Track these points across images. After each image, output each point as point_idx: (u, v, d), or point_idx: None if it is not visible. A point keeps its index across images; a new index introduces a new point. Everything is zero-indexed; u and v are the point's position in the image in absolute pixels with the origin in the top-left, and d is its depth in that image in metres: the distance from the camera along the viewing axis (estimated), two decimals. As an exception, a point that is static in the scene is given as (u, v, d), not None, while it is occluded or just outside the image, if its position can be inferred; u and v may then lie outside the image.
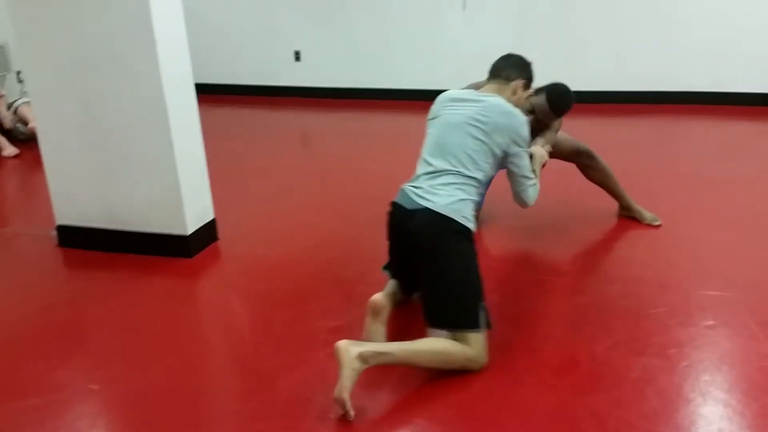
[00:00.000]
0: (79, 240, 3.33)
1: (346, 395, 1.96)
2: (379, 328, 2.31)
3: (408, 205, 2.33)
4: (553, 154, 3.18)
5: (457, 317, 2.20)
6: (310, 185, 4.25)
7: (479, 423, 1.99)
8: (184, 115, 3.12)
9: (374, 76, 6.63)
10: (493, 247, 3.19)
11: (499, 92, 2.52)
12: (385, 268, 2.59)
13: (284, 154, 5.06)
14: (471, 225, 2.32)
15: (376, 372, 2.07)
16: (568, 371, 2.20)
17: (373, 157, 4.72)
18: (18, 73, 6.07)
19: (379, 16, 6.52)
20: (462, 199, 2.31)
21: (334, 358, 2.28)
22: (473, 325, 2.19)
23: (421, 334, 2.22)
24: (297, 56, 6.96)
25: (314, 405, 2.08)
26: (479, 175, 2.37)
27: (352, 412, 1.98)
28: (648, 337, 2.36)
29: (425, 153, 2.46)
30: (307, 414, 2.05)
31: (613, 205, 3.41)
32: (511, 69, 2.58)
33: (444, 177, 2.34)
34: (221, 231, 3.39)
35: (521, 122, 2.42)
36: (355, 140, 5.39)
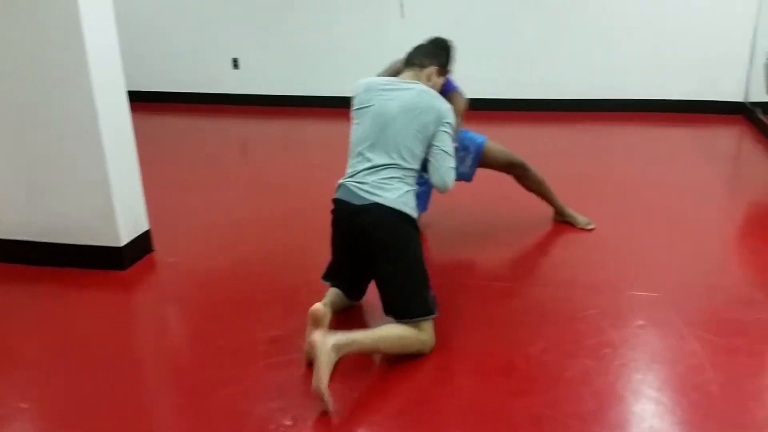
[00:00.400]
0: (7, 253, 3.20)
1: (324, 385, 2.00)
2: None
3: (356, 201, 2.37)
4: (488, 165, 3.30)
5: (414, 307, 2.32)
6: (249, 194, 4.21)
7: (419, 428, 2.00)
8: (117, 124, 3.04)
9: (314, 84, 6.61)
10: (430, 252, 3.22)
11: (417, 79, 2.59)
12: (325, 278, 2.58)
13: (223, 163, 4.99)
14: (416, 215, 2.43)
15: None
16: (505, 374, 2.24)
17: (313, 164, 4.70)
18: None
19: (318, 23, 6.51)
20: (407, 191, 2.41)
21: (273, 370, 2.28)
22: (427, 312, 2.33)
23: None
24: (235, 63, 6.88)
25: (253, 417, 2.06)
26: (417, 166, 2.46)
27: (331, 403, 2.03)
28: (581, 339, 2.42)
29: (361, 146, 2.47)
30: (246, 427, 2.02)
31: (548, 211, 3.49)
32: (423, 57, 2.66)
33: (386, 171, 2.40)
34: (157, 242, 3.31)
35: (448, 108, 2.49)
36: (295, 148, 5.36)
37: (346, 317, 2.56)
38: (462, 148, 3.18)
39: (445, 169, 2.44)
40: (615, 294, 2.75)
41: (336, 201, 2.46)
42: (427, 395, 2.15)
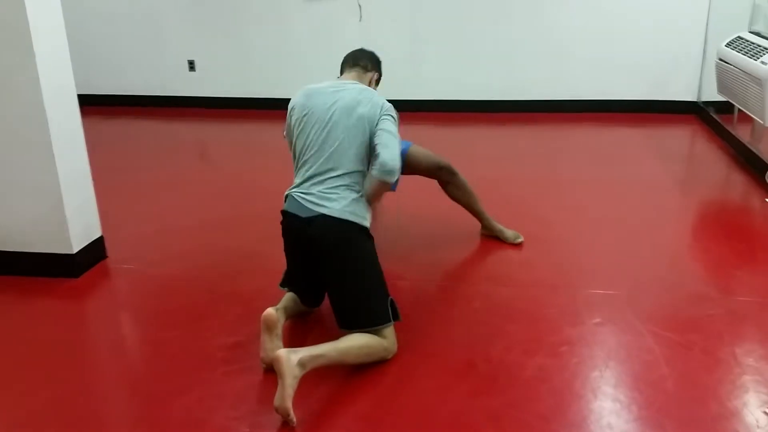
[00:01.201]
0: (-49, 263, 3.09)
1: (288, 404, 1.96)
2: (275, 342, 2.25)
3: (302, 213, 2.32)
4: (413, 170, 3.15)
5: (373, 317, 2.28)
6: (205, 200, 4.14)
7: (381, 430, 1.99)
8: (67, 128, 2.96)
9: (272, 87, 6.56)
10: (387, 256, 3.21)
11: (359, 80, 2.61)
12: (282, 285, 2.55)
13: (179, 168, 4.90)
14: (367, 222, 2.37)
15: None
16: (465, 374, 2.24)
17: (269, 168, 4.65)
18: None
19: (275, 24, 6.46)
20: (355, 199, 2.35)
21: (231, 377, 2.24)
22: (386, 320, 2.30)
23: (318, 341, 2.20)
24: (191, 66, 6.78)
25: (211, 425, 2.02)
26: (364, 168, 2.41)
27: (294, 420, 1.98)
28: (540, 337, 2.44)
29: (306, 155, 2.42)
30: (203, 436, 1.98)
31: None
32: (367, 60, 2.70)
33: (332, 180, 2.35)
34: (110, 249, 3.24)
35: (389, 105, 2.47)
36: (253, 152, 5.30)
37: (307, 326, 2.53)
38: None
39: (392, 146, 2.34)
40: (572, 293, 2.78)
41: (284, 213, 2.41)
42: (388, 398, 2.14)
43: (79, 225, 3.05)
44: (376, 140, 2.37)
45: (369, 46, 2.94)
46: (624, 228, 3.46)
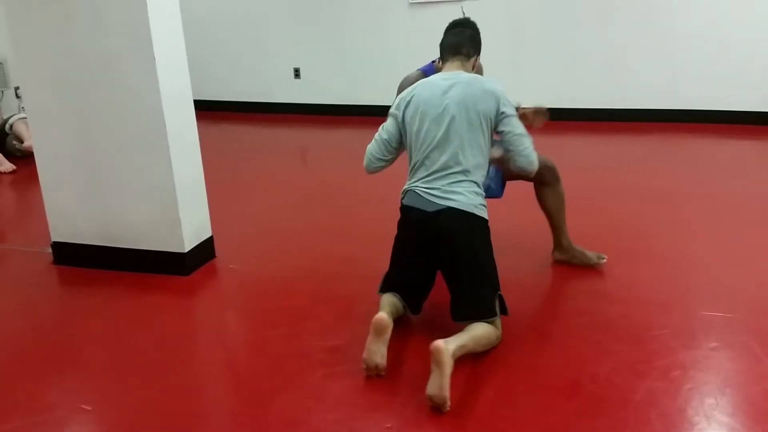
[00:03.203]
0: (74, 257, 3.29)
1: (447, 393, 2.03)
2: (381, 347, 2.24)
3: (428, 207, 2.38)
4: (516, 176, 2.89)
5: (491, 307, 2.37)
6: (305, 204, 4.23)
7: (479, 447, 1.95)
8: (183, 133, 3.10)
9: (374, 93, 6.63)
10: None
11: (463, 69, 2.57)
12: (382, 290, 2.53)
13: (282, 172, 5.04)
14: (486, 214, 2.44)
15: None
16: (569, 394, 2.16)
17: (368, 176, 4.69)
18: (16, 89, 6.07)
19: (378, 31, 6.54)
20: (475, 192, 2.41)
21: (329, 380, 2.26)
22: (504, 311, 2.43)
23: (418, 350, 2.18)
24: (297, 73, 6.97)
25: (307, 427, 2.04)
26: (483, 161, 2.46)
27: (449, 406, 2.05)
28: (651, 359, 2.32)
29: (425, 152, 2.44)
30: (302, 436, 2.01)
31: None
32: (469, 46, 2.62)
33: (455, 175, 2.41)
34: (218, 249, 3.35)
35: (501, 89, 2.46)
36: (353, 157, 5.35)
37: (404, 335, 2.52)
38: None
39: (526, 150, 2.43)
40: (687, 314, 2.63)
41: (406, 208, 2.46)
42: (487, 415, 2.08)
43: (192, 225, 3.17)
44: (507, 145, 2.45)
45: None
46: (738, 245, 3.25)
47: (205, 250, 3.28)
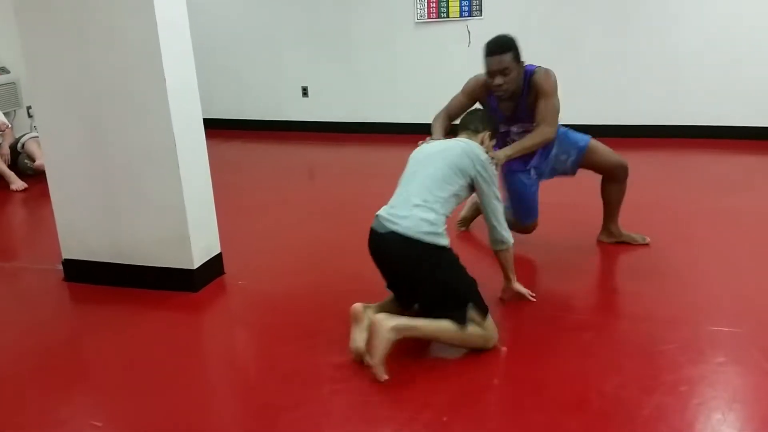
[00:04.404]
0: (85, 274, 3.33)
1: (378, 360, 2.27)
2: (359, 333, 2.43)
3: (380, 229, 2.52)
4: (590, 164, 3.35)
5: (462, 316, 2.39)
6: (316, 220, 4.25)
7: (487, 462, 1.96)
8: (193, 151, 3.13)
9: (380, 111, 6.68)
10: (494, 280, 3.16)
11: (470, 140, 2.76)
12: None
13: (291, 189, 5.07)
14: (439, 239, 2.45)
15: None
16: (577, 409, 2.16)
17: (375, 192, 4.71)
18: (28, 108, 6.15)
19: (384, 50, 6.60)
20: (429, 221, 2.45)
21: (338, 395, 2.27)
22: (482, 312, 2.44)
23: (427, 367, 2.20)
24: (305, 92, 7.03)
25: (319, 443, 2.06)
26: (449, 196, 2.53)
27: (384, 376, 2.26)
28: (658, 375, 2.32)
29: (401, 182, 2.65)
30: (312, 452, 2.02)
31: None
32: (478, 122, 2.85)
33: (415, 203, 2.48)
34: (227, 265, 3.38)
35: (484, 157, 2.61)
36: (361, 175, 5.41)
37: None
38: (562, 152, 3.31)
39: (494, 212, 2.62)
40: (694, 329, 2.63)
41: (370, 229, 2.60)
42: (495, 429, 2.09)
43: (201, 242, 3.20)
44: (485, 210, 2.63)
45: (476, 71, 3.02)
46: (745, 260, 3.26)
47: (215, 266, 3.31)
